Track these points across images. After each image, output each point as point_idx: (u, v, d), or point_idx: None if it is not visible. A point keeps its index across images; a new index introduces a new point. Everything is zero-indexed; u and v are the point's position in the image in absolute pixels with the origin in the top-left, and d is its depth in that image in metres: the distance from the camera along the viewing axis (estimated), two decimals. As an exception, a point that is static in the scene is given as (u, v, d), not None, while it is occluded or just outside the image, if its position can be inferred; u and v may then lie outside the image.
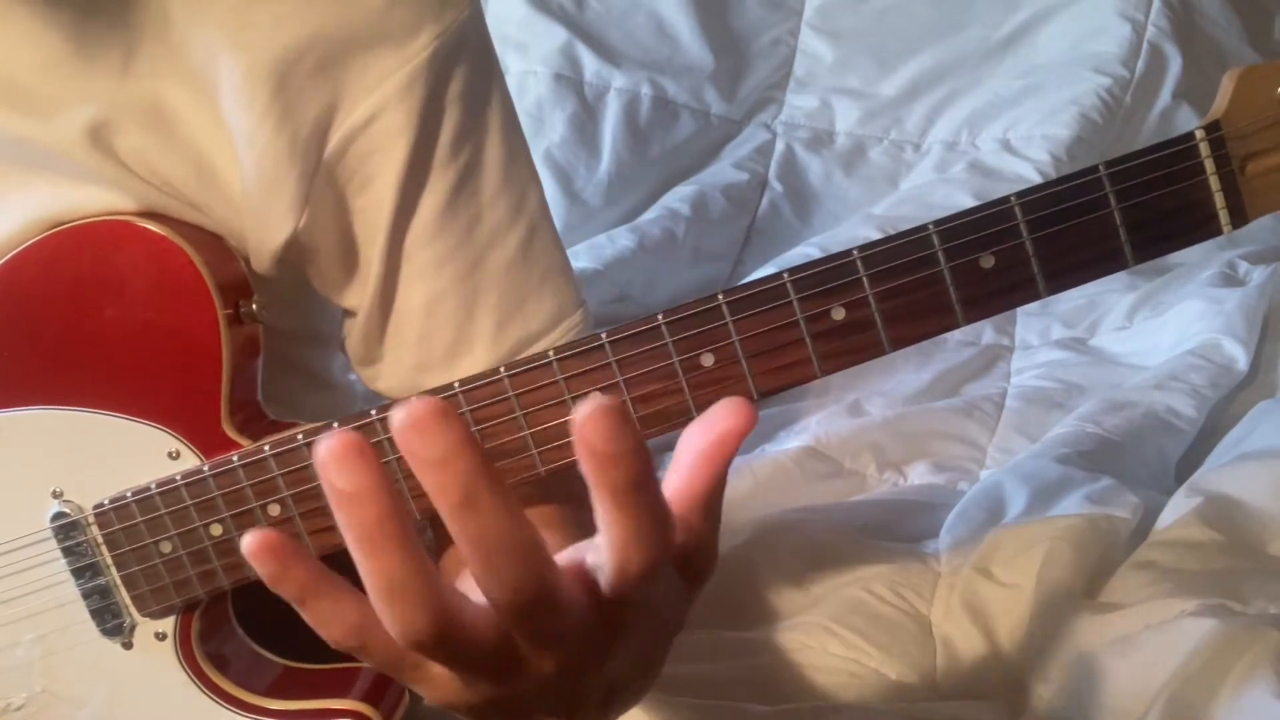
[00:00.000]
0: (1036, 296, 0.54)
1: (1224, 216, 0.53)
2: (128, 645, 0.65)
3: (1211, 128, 0.53)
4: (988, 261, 0.54)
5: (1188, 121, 1.55)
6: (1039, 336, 1.28)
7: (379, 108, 0.64)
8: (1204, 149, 0.53)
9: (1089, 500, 0.84)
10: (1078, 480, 0.88)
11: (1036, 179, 1.43)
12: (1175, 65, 1.55)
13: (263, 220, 0.65)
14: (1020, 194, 0.54)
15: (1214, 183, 0.53)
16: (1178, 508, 0.80)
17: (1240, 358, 1.08)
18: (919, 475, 1.03)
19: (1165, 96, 1.55)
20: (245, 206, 0.65)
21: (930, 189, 1.48)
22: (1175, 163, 0.53)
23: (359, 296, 0.69)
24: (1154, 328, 1.22)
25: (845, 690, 0.71)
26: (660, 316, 0.56)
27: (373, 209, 0.66)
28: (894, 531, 0.90)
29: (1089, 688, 0.67)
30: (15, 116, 0.63)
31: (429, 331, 0.68)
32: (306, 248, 0.66)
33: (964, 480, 1.01)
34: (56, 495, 0.64)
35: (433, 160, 0.66)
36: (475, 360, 0.68)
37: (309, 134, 0.64)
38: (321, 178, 0.65)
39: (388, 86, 0.63)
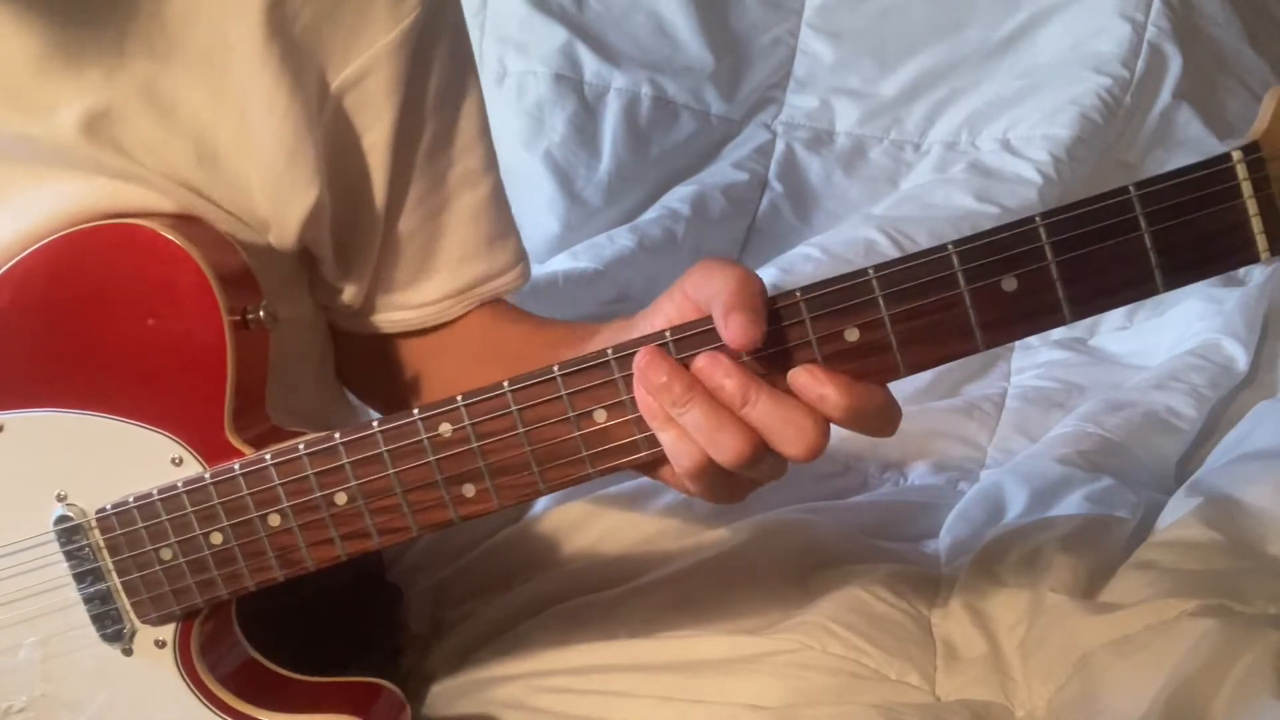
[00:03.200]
0: (1062, 322, 0.52)
1: (1262, 242, 0.50)
2: (128, 651, 0.65)
3: (1250, 149, 0.50)
4: (1010, 284, 0.52)
5: (1188, 121, 1.54)
6: (1039, 336, 1.28)
7: (369, 66, 0.67)
8: (1241, 171, 0.50)
9: (1089, 500, 0.84)
10: (1078, 480, 0.88)
11: (1037, 179, 1.43)
12: (1175, 65, 1.55)
13: (287, 190, 0.67)
14: (1045, 214, 0.51)
15: (1251, 206, 0.50)
16: (1178, 508, 0.80)
17: (1240, 358, 1.08)
18: (919, 475, 1.03)
19: (1165, 96, 1.55)
20: (266, 179, 0.66)
21: (930, 189, 1.47)
22: (1210, 184, 0.50)
23: (355, 246, 0.73)
24: (1154, 328, 1.22)
25: (845, 690, 0.71)
26: (668, 333, 0.55)
27: (369, 161, 0.70)
28: (894, 531, 0.90)
29: (1089, 688, 0.67)
30: (16, 116, 0.63)
31: (395, 260, 0.74)
32: (323, 212, 0.69)
33: (964, 480, 1.01)
34: (61, 498, 0.64)
35: (421, 114, 0.71)
36: (436, 286, 0.76)
37: (314, 94, 0.66)
38: (324, 137, 0.67)
39: (378, 47, 0.67)
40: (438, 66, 0.71)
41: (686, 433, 0.55)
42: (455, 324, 0.78)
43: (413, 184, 0.73)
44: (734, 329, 0.52)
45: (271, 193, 0.67)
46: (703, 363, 0.54)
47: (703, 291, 0.55)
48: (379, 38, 0.67)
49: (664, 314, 0.58)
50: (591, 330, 0.70)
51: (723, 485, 0.57)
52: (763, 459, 0.55)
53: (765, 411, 0.54)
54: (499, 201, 0.77)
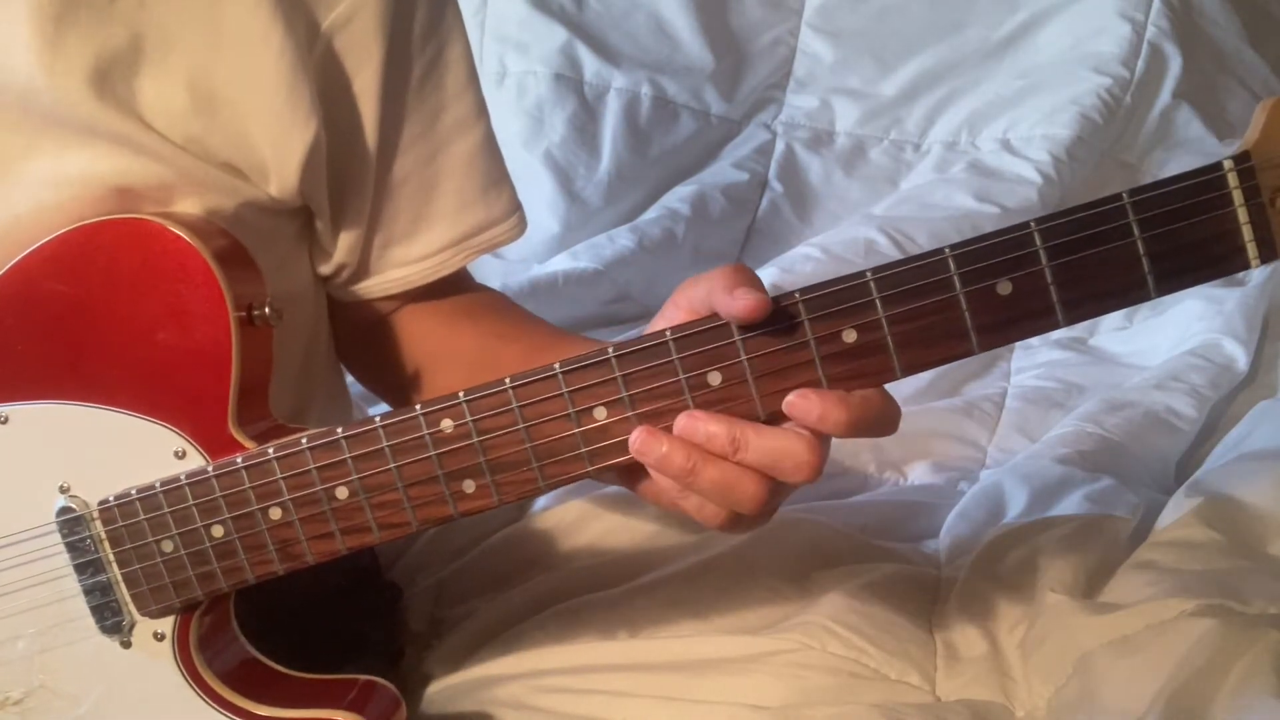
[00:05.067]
0: (1055, 326, 0.53)
1: (1252, 250, 0.51)
2: (126, 644, 0.65)
3: (1241, 158, 0.51)
4: (1005, 288, 0.52)
5: (1187, 121, 1.54)
6: (1039, 336, 1.27)
7: (356, 7, 0.67)
8: (1232, 180, 0.51)
9: (1089, 500, 0.84)
10: (1078, 480, 0.88)
11: (1036, 179, 1.43)
12: (1175, 65, 1.56)
13: (287, 126, 0.66)
14: (1040, 220, 0.52)
15: (1242, 215, 0.51)
16: (1178, 508, 0.80)
17: (1240, 358, 1.08)
18: (919, 475, 1.03)
19: (1165, 96, 1.55)
20: (266, 117, 0.66)
21: (930, 189, 1.48)
22: (1202, 193, 0.51)
23: (350, 194, 0.73)
24: (1154, 328, 1.22)
25: (845, 690, 0.71)
26: (669, 333, 0.55)
27: (359, 104, 0.70)
28: (894, 531, 0.90)
29: (1089, 688, 0.67)
30: (20, 70, 0.62)
31: (392, 211, 0.74)
32: (321, 152, 0.68)
33: (964, 480, 1.01)
34: (64, 490, 0.64)
35: (408, 54, 0.71)
36: (434, 236, 0.75)
37: (305, 33, 0.66)
38: (316, 80, 0.67)
39: None
40: (422, 9, 0.71)
41: (704, 498, 0.56)
42: (456, 333, 0.78)
43: (404, 127, 0.73)
44: (742, 300, 0.53)
45: (272, 131, 0.66)
46: (682, 423, 0.55)
47: (697, 293, 0.56)
48: None
49: (665, 324, 0.58)
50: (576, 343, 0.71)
51: (747, 522, 0.59)
52: (779, 492, 0.56)
53: (758, 450, 0.55)
54: (492, 149, 0.77)
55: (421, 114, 0.73)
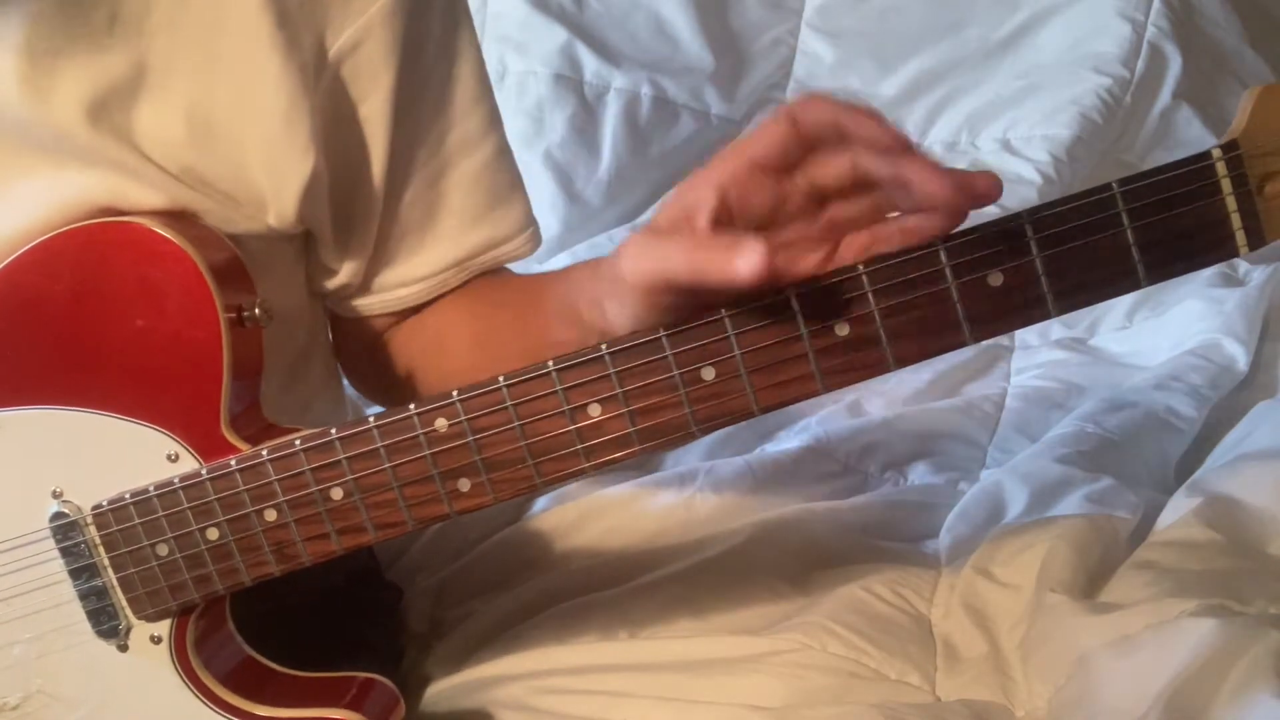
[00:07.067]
0: (1046, 316, 0.53)
1: (1241, 237, 0.52)
2: (123, 648, 0.65)
3: (1229, 146, 0.51)
4: (996, 279, 0.53)
5: (1188, 121, 1.54)
6: (1039, 336, 1.27)
7: (365, 32, 0.66)
8: (1220, 168, 0.51)
9: (1089, 500, 0.84)
10: (1078, 480, 0.87)
11: (1036, 179, 1.43)
12: (1175, 65, 1.55)
13: (284, 157, 0.66)
14: (1030, 211, 0.52)
15: (1231, 203, 0.51)
16: (1178, 508, 0.80)
17: (1240, 358, 1.08)
18: (919, 475, 1.03)
19: (1165, 96, 1.55)
20: (262, 147, 0.65)
21: (930, 189, 1.47)
22: (1191, 182, 0.52)
23: (357, 221, 0.72)
24: (1154, 328, 1.22)
25: (845, 690, 0.71)
26: (661, 330, 0.55)
27: (366, 130, 0.69)
28: (894, 531, 0.90)
29: (1089, 688, 0.67)
30: (15, 98, 0.62)
31: (397, 233, 0.73)
32: (321, 183, 0.68)
33: (964, 480, 1.01)
34: (56, 495, 0.64)
35: (418, 79, 0.69)
36: (437, 256, 0.74)
37: (311, 63, 0.65)
38: (321, 105, 0.66)
39: (373, 12, 0.66)
40: (434, 28, 0.70)
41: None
42: (444, 321, 0.77)
43: (412, 151, 0.71)
44: (746, 262, 0.49)
45: (268, 162, 0.66)
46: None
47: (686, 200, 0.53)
48: (373, 2, 0.66)
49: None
50: (559, 280, 0.69)
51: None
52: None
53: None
54: (501, 165, 0.76)
55: (430, 138, 0.72)
